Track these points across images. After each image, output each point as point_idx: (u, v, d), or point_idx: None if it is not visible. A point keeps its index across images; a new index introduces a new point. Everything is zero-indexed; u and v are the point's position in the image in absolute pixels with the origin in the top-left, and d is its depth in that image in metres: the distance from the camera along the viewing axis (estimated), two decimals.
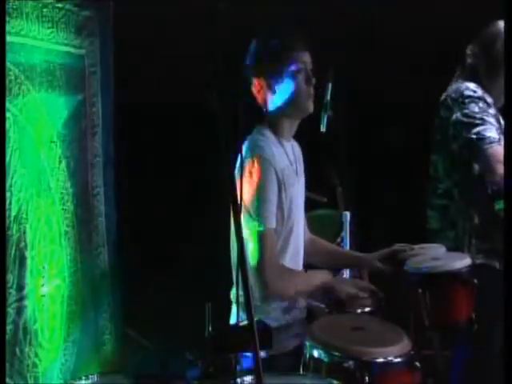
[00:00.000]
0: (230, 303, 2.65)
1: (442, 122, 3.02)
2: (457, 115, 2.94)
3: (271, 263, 2.46)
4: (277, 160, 2.51)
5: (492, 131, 2.87)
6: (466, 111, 2.92)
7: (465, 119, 2.91)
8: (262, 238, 2.44)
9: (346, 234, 3.35)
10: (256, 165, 2.45)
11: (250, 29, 2.72)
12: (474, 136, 2.87)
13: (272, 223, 2.48)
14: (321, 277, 2.60)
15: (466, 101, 2.94)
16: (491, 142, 2.85)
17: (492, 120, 2.91)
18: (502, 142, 2.91)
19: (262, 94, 2.58)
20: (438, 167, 3.07)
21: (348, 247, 3.34)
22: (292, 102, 2.55)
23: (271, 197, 2.47)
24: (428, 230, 3.15)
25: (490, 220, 2.95)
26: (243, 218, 2.41)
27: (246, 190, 2.43)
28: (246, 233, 2.44)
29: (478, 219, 3.00)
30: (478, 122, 2.89)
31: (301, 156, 2.77)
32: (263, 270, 2.43)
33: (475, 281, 2.60)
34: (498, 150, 2.84)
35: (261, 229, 2.44)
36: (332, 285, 2.55)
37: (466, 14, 3.64)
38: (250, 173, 2.44)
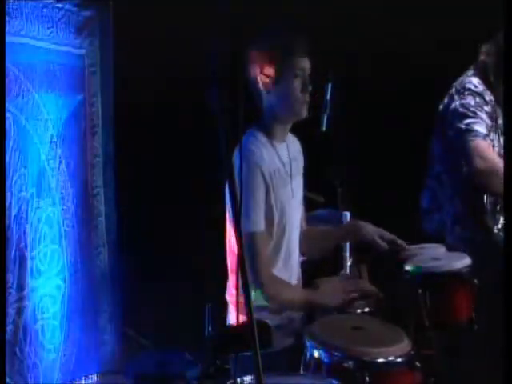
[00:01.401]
0: (227, 304, 2.65)
1: (443, 109, 3.18)
2: (455, 104, 3.13)
3: (263, 265, 2.46)
4: (266, 162, 2.51)
5: (481, 126, 3.03)
6: (463, 102, 3.10)
7: (460, 109, 3.09)
8: (251, 241, 2.44)
9: None
10: (247, 167, 2.45)
11: (251, 28, 2.72)
12: (464, 126, 3.05)
13: (260, 226, 2.47)
14: (306, 293, 2.59)
15: (466, 93, 3.12)
16: (476, 136, 3.02)
17: (484, 116, 3.07)
18: (495, 143, 3.12)
19: (258, 91, 2.59)
20: (434, 150, 3.22)
21: (348, 247, 3.34)
22: (285, 106, 2.55)
23: (258, 199, 2.47)
24: (420, 209, 3.28)
25: (471, 210, 3.09)
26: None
27: None
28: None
29: (461, 207, 3.13)
30: (470, 114, 3.06)
31: (300, 153, 2.76)
32: (256, 272, 2.43)
33: (475, 281, 2.61)
34: (481, 144, 3.00)
35: (249, 231, 2.44)
36: (316, 301, 2.54)
37: (468, 14, 3.65)
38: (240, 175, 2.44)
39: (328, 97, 3.16)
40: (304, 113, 2.58)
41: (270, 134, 2.59)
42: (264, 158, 2.51)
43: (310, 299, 2.54)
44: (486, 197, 3.08)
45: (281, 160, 2.60)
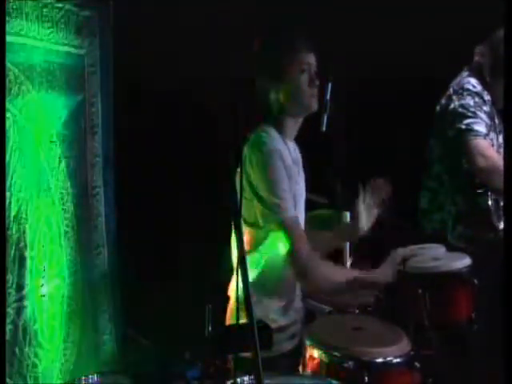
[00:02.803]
0: (228, 302, 2.65)
1: (442, 110, 3.21)
2: (454, 104, 3.16)
3: (306, 249, 2.43)
4: (284, 155, 2.51)
5: (481, 125, 3.07)
6: (462, 102, 3.13)
7: (459, 109, 3.13)
8: (289, 227, 2.42)
9: None
10: (267, 158, 2.45)
11: (252, 28, 2.72)
12: (464, 126, 3.08)
13: (293, 211, 2.45)
14: (356, 272, 2.53)
15: (465, 93, 3.16)
16: (476, 135, 3.06)
17: (483, 116, 3.11)
18: (494, 142, 3.17)
19: (266, 92, 2.59)
20: (433, 151, 3.25)
21: (348, 247, 3.34)
22: (295, 101, 2.56)
23: (286, 187, 2.46)
24: (419, 209, 3.29)
25: (474, 208, 3.14)
26: (264, 213, 2.41)
27: (262, 185, 2.43)
28: (271, 227, 2.42)
29: (464, 206, 3.17)
30: (470, 114, 3.10)
31: (300, 159, 2.77)
32: (300, 258, 2.40)
33: (475, 281, 2.62)
34: (481, 142, 3.06)
35: (286, 217, 2.42)
36: (367, 279, 2.47)
37: (471, 14, 3.65)
38: (263, 167, 2.43)
39: (328, 97, 3.17)
40: (314, 106, 2.59)
41: (281, 131, 2.59)
42: (281, 150, 2.52)
43: (362, 277, 2.49)
44: (489, 194, 3.10)
45: (292, 157, 2.61)
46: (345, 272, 2.58)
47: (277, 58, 2.55)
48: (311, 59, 2.57)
